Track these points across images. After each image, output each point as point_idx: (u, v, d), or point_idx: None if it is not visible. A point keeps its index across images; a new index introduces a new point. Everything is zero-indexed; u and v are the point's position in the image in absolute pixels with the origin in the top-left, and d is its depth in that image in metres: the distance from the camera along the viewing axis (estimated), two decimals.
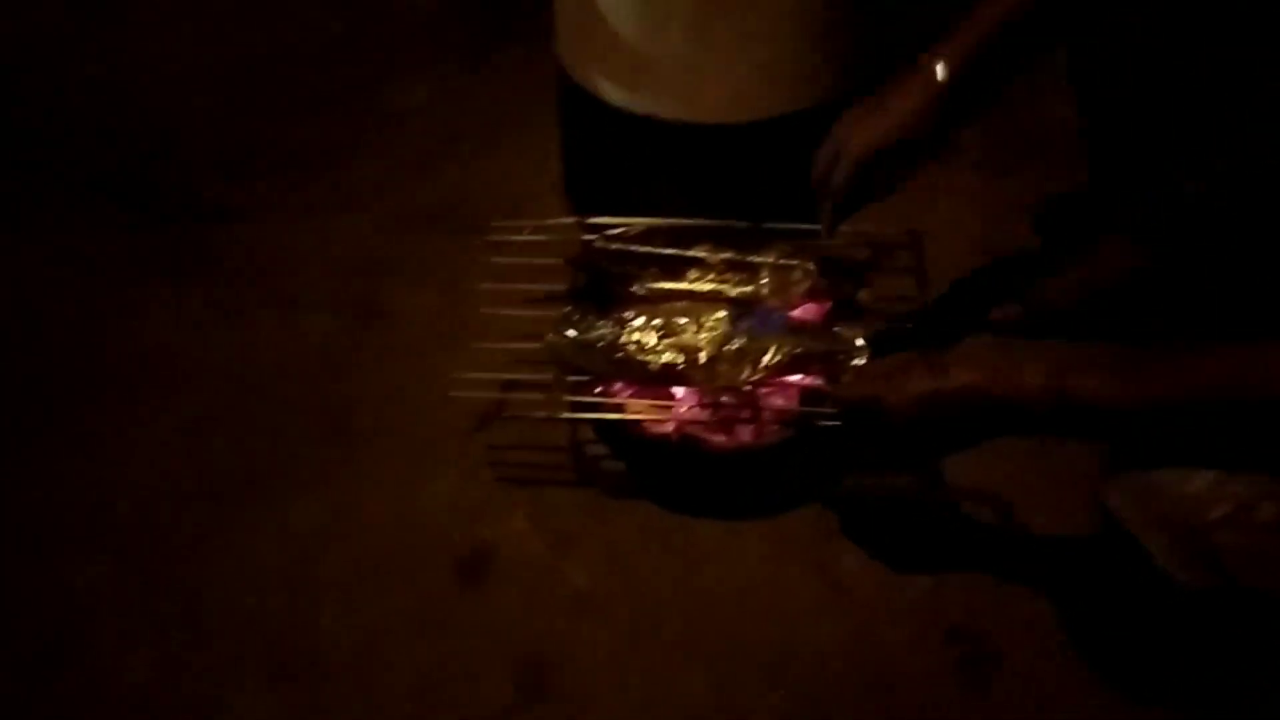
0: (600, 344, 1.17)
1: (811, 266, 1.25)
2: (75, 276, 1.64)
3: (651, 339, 1.17)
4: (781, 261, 1.25)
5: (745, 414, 1.18)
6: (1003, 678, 1.17)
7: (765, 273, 1.25)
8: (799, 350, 1.17)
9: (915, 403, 0.92)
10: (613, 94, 1.35)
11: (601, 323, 1.18)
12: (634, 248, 1.27)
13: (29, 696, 1.18)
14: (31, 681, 1.19)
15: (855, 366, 1.05)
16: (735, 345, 1.17)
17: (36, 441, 1.42)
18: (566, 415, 1.23)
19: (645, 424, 1.21)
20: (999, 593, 1.22)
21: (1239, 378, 0.80)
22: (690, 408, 1.20)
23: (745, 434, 1.20)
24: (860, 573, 1.25)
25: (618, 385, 1.23)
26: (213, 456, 1.40)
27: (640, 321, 1.19)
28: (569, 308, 1.20)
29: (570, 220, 1.36)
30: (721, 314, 1.19)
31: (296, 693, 1.18)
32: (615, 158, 1.44)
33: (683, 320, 1.18)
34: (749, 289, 1.25)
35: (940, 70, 0.99)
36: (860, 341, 1.18)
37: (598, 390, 1.22)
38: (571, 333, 1.18)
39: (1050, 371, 0.85)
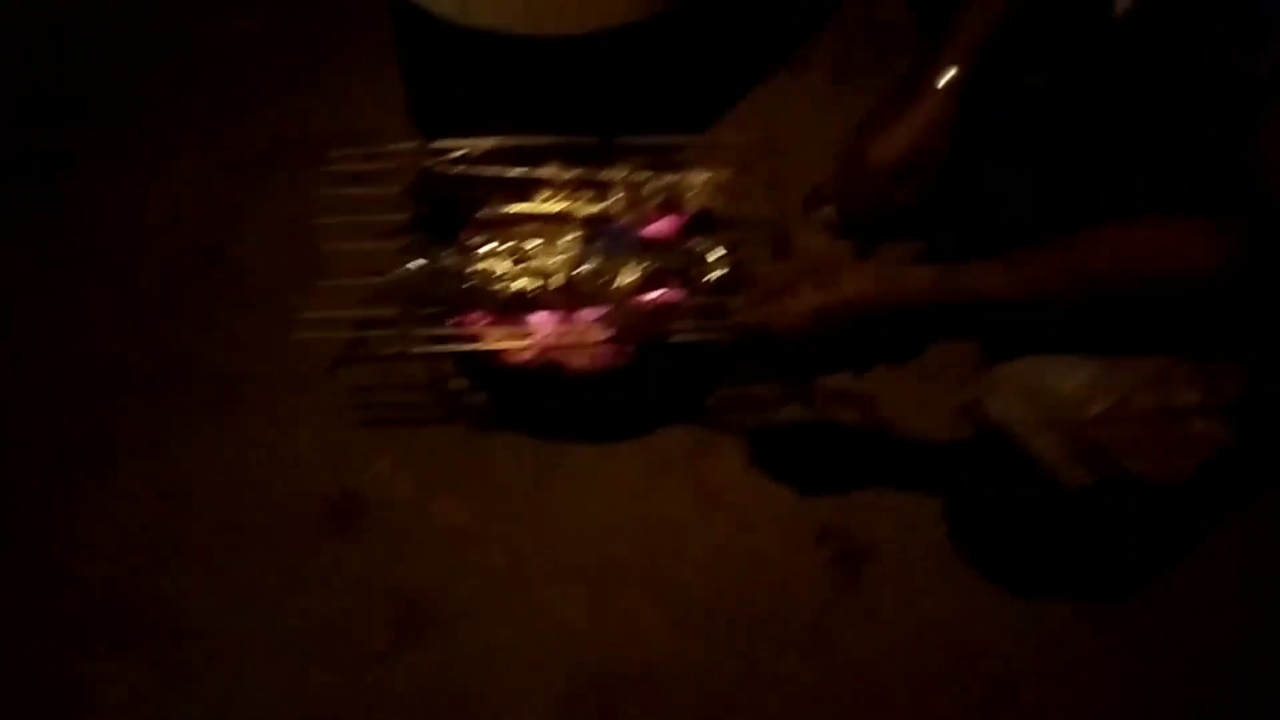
0: (448, 274, 1.13)
1: (664, 179, 1.22)
2: None
3: (502, 266, 1.13)
4: (633, 177, 1.22)
5: (604, 334, 1.16)
6: (873, 572, 1.21)
7: (617, 189, 1.21)
8: (655, 267, 1.15)
9: (806, 316, 0.94)
10: (445, 8, 1.28)
11: (446, 252, 1.14)
12: (479, 170, 1.22)
13: None
14: None
15: (747, 291, 1.04)
16: (589, 267, 1.14)
17: None
18: (420, 350, 1.18)
19: (504, 353, 1.18)
20: (866, 493, 1.25)
21: (1113, 258, 0.83)
22: (548, 333, 1.17)
23: (606, 355, 1.18)
24: (732, 483, 1.26)
25: (473, 315, 1.19)
26: (54, 418, 1.31)
27: (488, 248, 1.14)
28: (411, 238, 1.14)
29: (412, 145, 1.29)
30: (573, 235, 1.16)
31: (161, 659, 1.14)
32: (456, 78, 1.38)
33: (533, 244, 1.15)
34: (601, 207, 1.21)
35: (948, 79, 0.98)
36: (718, 254, 1.16)
37: (452, 322, 1.17)
38: (416, 264, 1.13)
39: (937, 272, 0.88)
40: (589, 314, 1.18)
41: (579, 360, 1.19)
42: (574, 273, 1.14)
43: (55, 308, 1.42)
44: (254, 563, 1.20)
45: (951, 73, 0.98)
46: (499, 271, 1.14)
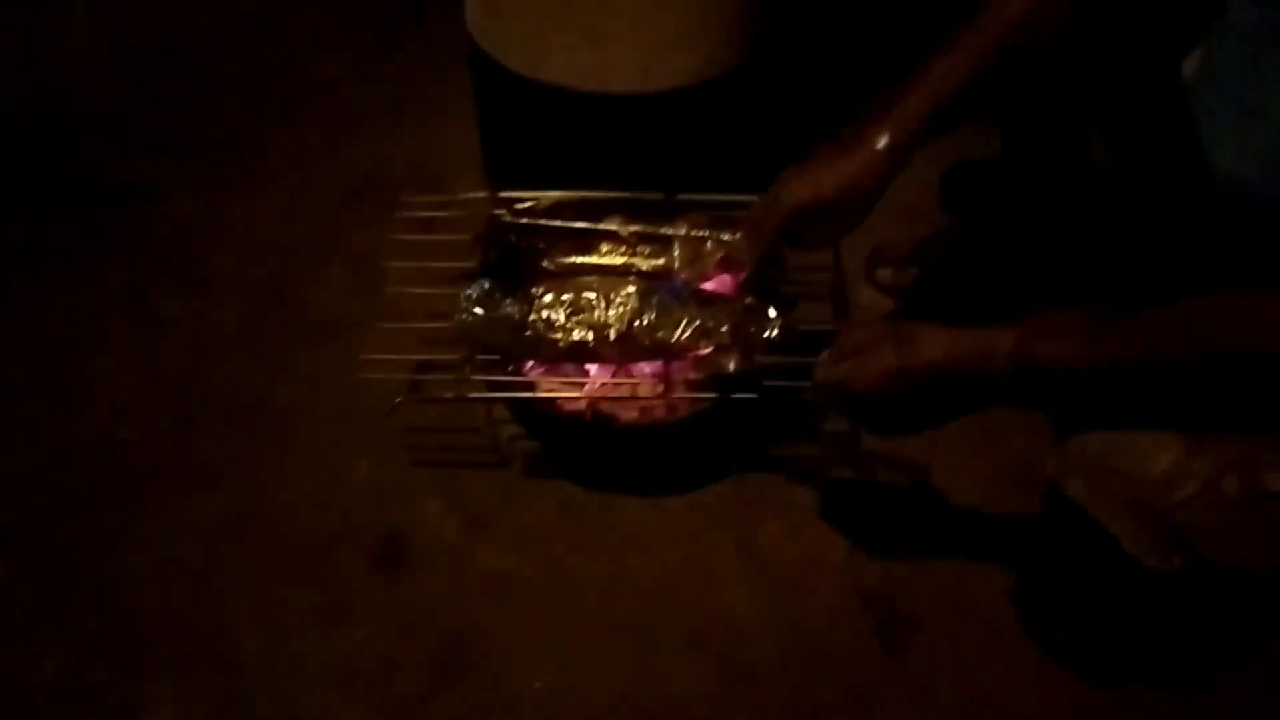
0: (508, 322, 1.15)
1: (725, 238, 1.23)
2: None
3: (560, 316, 1.15)
4: (693, 233, 1.23)
5: (658, 389, 1.17)
6: (921, 643, 1.18)
7: (677, 245, 1.23)
8: (710, 324, 1.16)
9: (883, 379, 0.92)
10: (519, 64, 1.31)
11: (509, 300, 1.16)
12: (543, 221, 1.24)
13: None
14: None
15: (829, 351, 1.01)
16: (645, 320, 1.15)
17: None
18: (477, 395, 1.20)
19: (558, 402, 1.20)
20: (914, 559, 1.24)
21: (1198, 332, 0.80)
22: (602, 384, 1.19)
23: (658, 409, 1.19)
24: (779, 543, 1.25)
25: (529, 363, 1.21)
26: (122, 447, 1.36)
27: (549, 298, 1.16)
28: (475, 284, 1.17)
29: (481, 195, 1.33)
30: (631, 289, 1.17)
31: (209, 687, 1.15)
32: (528, 131, 1.41)
33: (591, 295, 1.16)
34: (660, 261, 1.23)
35: (883, 141, 0.99)
36: (772, 313, 1.17)
37: (509, 369, 1.19)
38: (478, 311, 1.15)
39: (1018, 338, 0.86)
40: (643, 367, 1.19)
41: (630, 412, 1.20)
42: (630, 325, 1.15)
43: (129, 337, 1.48)
44: (304, 596, 1.22)
45: (886, 139, 0.98)
46: (558, 321, 1.15)
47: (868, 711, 1.14)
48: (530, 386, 1.20)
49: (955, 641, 1.18)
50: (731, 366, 1.16)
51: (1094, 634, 1.12)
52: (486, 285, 1.16)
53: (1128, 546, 0.91)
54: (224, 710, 1.14)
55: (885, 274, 1.45)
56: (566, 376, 1.21)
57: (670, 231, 1.24)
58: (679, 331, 1.15)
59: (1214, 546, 0.89)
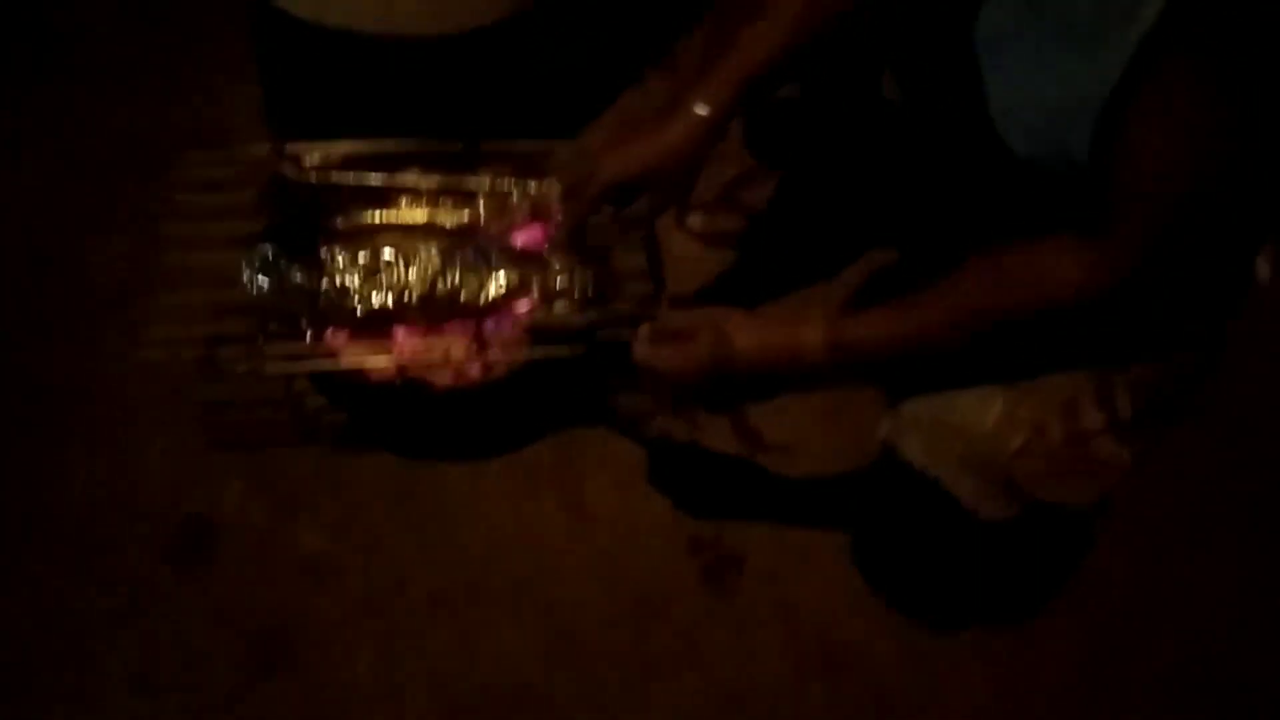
0: (297, 291, 1.07)
1: (531, 188, 1.18)
2: None
3: (355, 281, 1.08)
4: (498, 185, 1.18)
5: (471, 350, 1.12)
6: (748, 583, 1.20)
7: (481, 198, 1.17)
8: (521, 280, 1.11)
9: (697, 371, 0.93)
10: (301, 8, 1.21)
11: (297, 266, 1.08)
12: (335, 177, 1.16)
13: None
14: None
15: (649, 326, 1.00)
16: (449, 280, 1.09)
17: None
18: (274, 368, 1.12)
19: (365, 370, 1.13)
20: (740, 506, 1.24)
21: (989, 292, 0.84)
22: (411, 348, 1.13)
23: (473, 371, 1.14)
24: (605, 498, 1.24)
25: (331, 331, 1.14)
26: None
27: (342, 261, 1.09)
28: (257, 251, 1.08)
29: (264, 149, 1.23)
30: (435, 246, 1.11)
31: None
32: (314, 79, 1.31)
33: (388, 256, 1.09)
34: (465, 216, 1.17)
35: (701, 110, 0.96)
36: (584, 267, 1.13)
37: (308, 338, 1.11)
38: (263, 279, 1.07)
39: (826, 327, 0.89)
40: (453, 328, 1.14)
41: (444, 376, 1.15)
42: (434, 286, 1.10)
43: None
44: (97, 594, 1.13)
45: (703, 110, 0.96)
46: (352, 287, 1.08)
47: (698, 655, 1.15)
48: (332, 356, 1.13)
49: (780, 582, 1.20)
50: (546, 322, 1.12)
51: (928, 581, 1.16)
52: (270, 251, 1.08)
53: (966, 500, 0.95)
54: None
55: (695, 220, 1.44)
56: (372, 343, 1.14)
57: (473, 184, 1.18)
58: (487, 289, 1.10)
59: (1046, 490, 0.94)
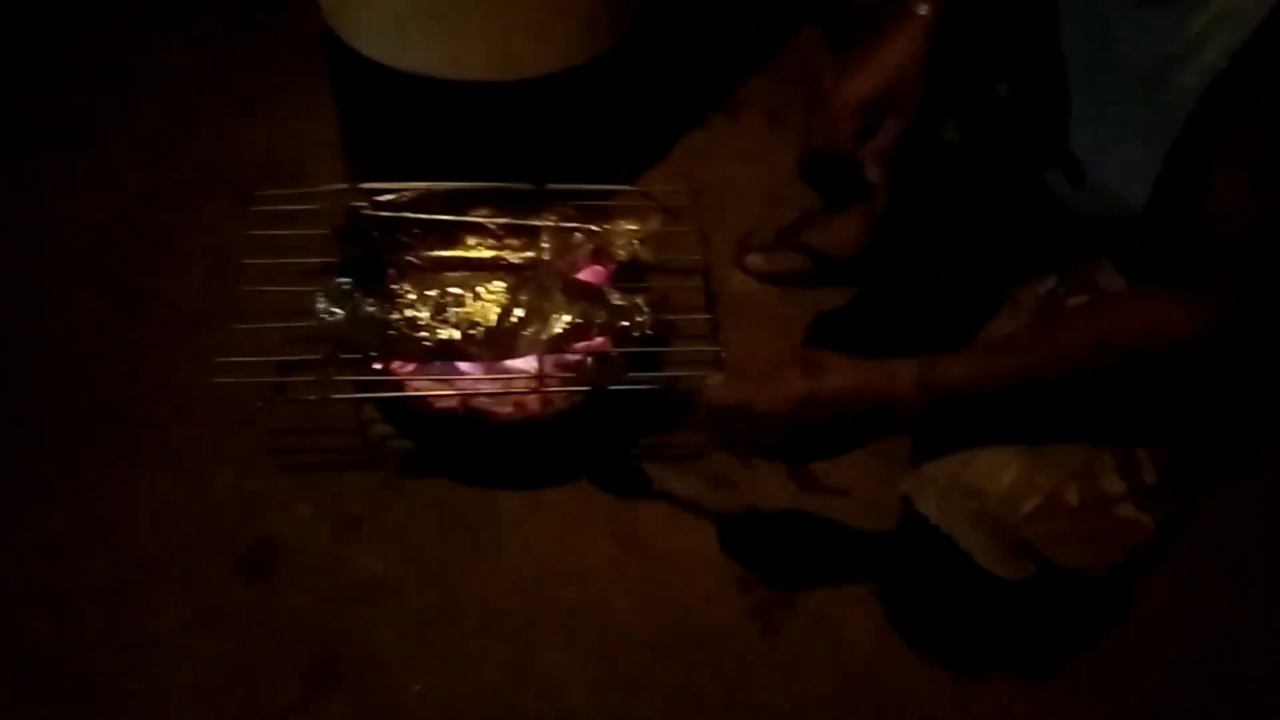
0: (369, 322, 1.12)
1: (594, 228, 1.22)
2: None
3: (425, 314, 1.12)
4: (562, 224, 1.22)
5: (533, 384, 1.15)
6: (795, 619, 1.21)
7: (545, 236, 1.21)
8: (582, 318, 1.15)
9: (789, 404, 0.90)
10: (377, 51, 1.27)
11: (369, 299, 1.12)
12: (407, 214, 1.21)
13: None
14: None
15: (728, 370, 1.03)
16: (515, 316, 1.13)
17: None
18: (344, 396, 1.17)
19: (429, 400, 1.17)
20: (787, 546, 1.26)
21: (1097, 338, 0.85)
22: (475, 380, 1.17)
23: (533, 403, 1.18)
24: (655, 532, 1.26)
25: (397, 360, 1.18)
26: None
27: (413, 296, 1.13)
28: (332, 283, 1.13)
29: (341, 187, 1.29)
30: (499, 283, 1.15)
31: (66, 711, 1.10)
32: (389, 120, 1.37)
33: (458, 290, 1.14)
34: (529, 253, 1.21)
35: (922, 9, 0.94)
36: (644, 305, 1.17)
37: (376, 367, 1.16)
38: (337, 311, 1.11)
39: (920, 367, 0.88)
40: (515, 362, 1.18)
41: (505, 407, 1.19)
42: (500, 321, 1.14)
43: None
44: (165, 610, 1.17)
45: (924, 9, 0.94)
46: (422, 320, 1.12)
47: (746, 692, 1.16)
48: (399, 385, 1.17)
49: (831, 622, 1.21)
50: (605, 360, 1.16)
51: (952, 629, 1.16)
52: (345, 284, 1.13)
53: (978, 559, 0.96)
54: None
55: (756, 259, 1.47)
56: (437, 373, 1.18)
57: (538, 222, 1.23)
58: (551, 326, 1.14)
59: (1060, 554, 0.94)
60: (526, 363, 1.18)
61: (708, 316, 1.28)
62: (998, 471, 0.94)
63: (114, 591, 1.18)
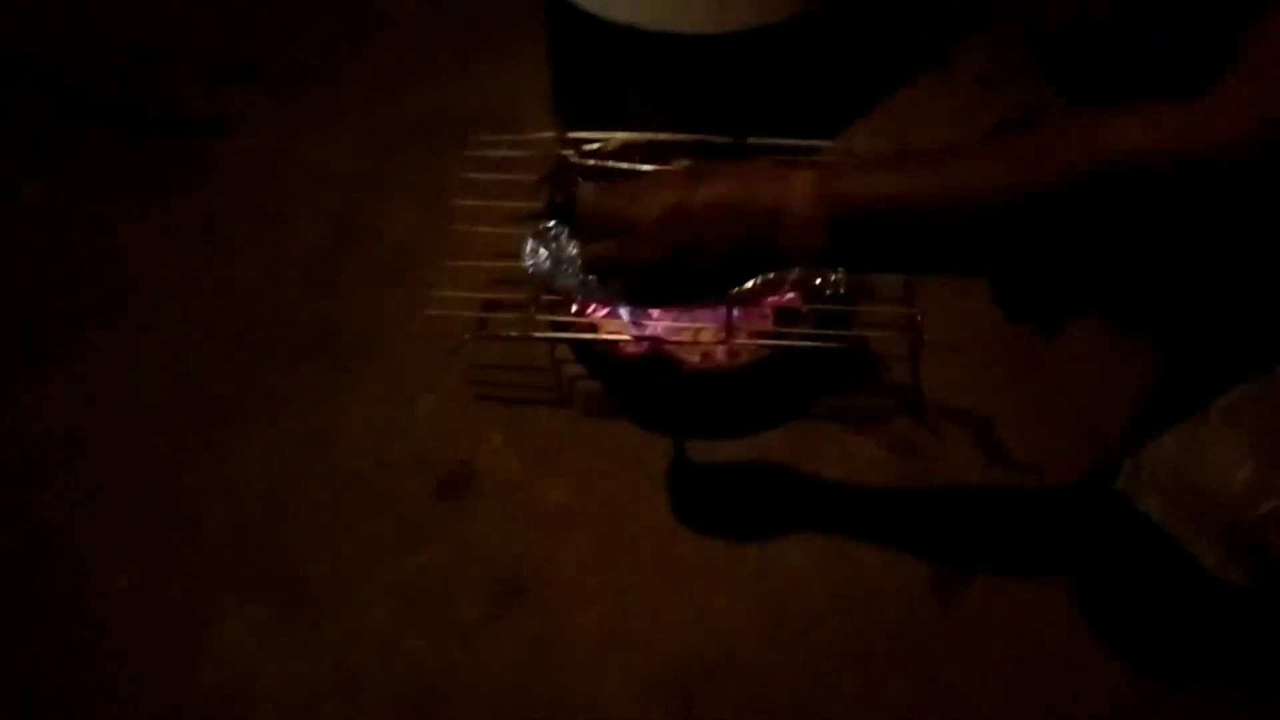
0: (572, 265, 1.15)
1: None
2: (56, 193, 1.63)
3: None
4: None
5: (720, 335, 1.17)
6: (974, 593, 1.18)
7: None
8: (774, 272, 1.15)
9: (662, 215, 0.75)
10: (588, 2, 1.30)
11: (572, 243, 1.16)
12: (611, 163, 1.24)
13: (10, 605, 1.21)
14: (13, 590, 1.22)
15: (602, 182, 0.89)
16: None
17: (17, 360, 1.42)
18: (541, 335, 1.22)
19: (619, 343, 1.21)
20: (971, 515, 1.23)
21: (1050, 147, 0.64)
22: (665, 327, 1.19)
23: (720, 354, 1.19)
24: (834, 492, 1.25)
25: (594, 304, 1.22)
26: (195, 374, 1.40)
27: None
28: (541, 226, 1.17)
29: (550, 135, 1.33)
30: None
31: (276, 606, 1.20)
32: (599, 71, 1.41)
33: None
34: None
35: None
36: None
37: (573, 310, 1.21)
38: (543, 253, 1.16)
39: (821, 175, 0.69)
40: (705, 313, 1.20)
41: (692, 356, 1.21)
42: None
43: (203, 265, 1.52)
44: (370, 519, 1.26)
45: None
46: None
47: (917, 659, 1.15)
48: (593, 328, 1.21)
49: (1010, 600, 1.18)
50: (796, 315, 1.16)
51: (1164, 633, 1.10)
52: (552, 227, 1.17)
53: (1207, 564, 0.89)
54: (290, 627, 1.19)
55: None
56: (630, 318, 1.22)
57: None
58: None
59: None
60: (716, 314, 1.19)
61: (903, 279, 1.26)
62: (1230, 469, 0.86)
63: (324, 501, 1.28)
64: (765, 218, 0.70)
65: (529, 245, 1.17)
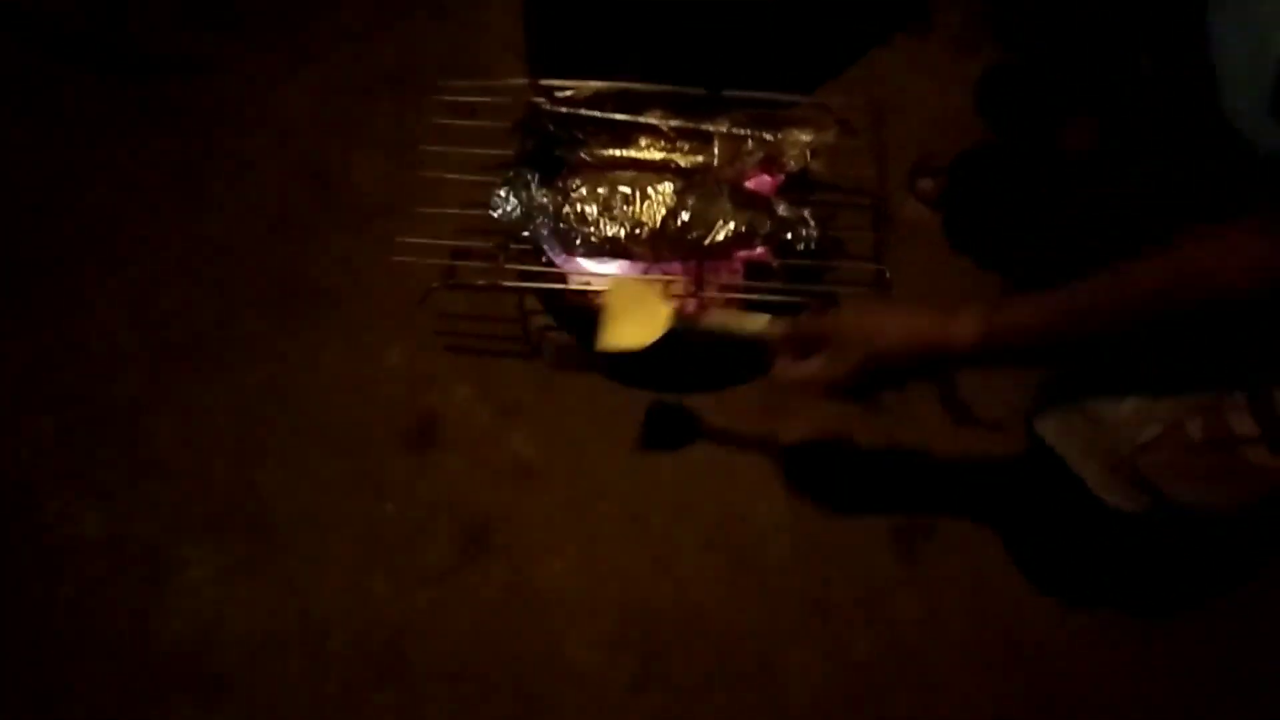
0: (542, 213, 1.15)
1: (766, 137, 1.21)
2: (22, 133, 1.59)
3: (594, 210, 1.15)
4: (734, 130, 1.21)
5: (690, 288, 1.16)
6: (934, 548, 1.20)
7: (717, 142, 1.21)
8: (746, 226, 1.15)
9: (850, 379, 0.89)
10: None
11: (543, 191, 1.15)
12: (583, 111, 1.23)
13: None
14: None
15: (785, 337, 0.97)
16: (680, 219, 1.14)
17: None
18: (510, 284, 1.21)
19: (587, 294, 1.20)
20: (931, 472, 1.25)
21: (1167, 278, 0.76)
22: (634, 278, 1.19)
23: (689, 307, 1.19)
24: (800, 446, 1.26)
25: (563, 255, 1.21)
26: (160, 318, 1.38)
27: (584, 191, 1.15)
28: (511, 173, 1.16)
29: (521, 82, 1.31)
30: (667, 186, 1.16)
31: (240, 548, 1.21)
32: (570, 20, 1.38)
33: (626, 190, 1.15)
34: (699, 158, 1.21)
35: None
36: (810, 219, 1.16)
37: (543, 259, 1.20)
38: (513, 200, 1.15)
39: (980, 317, 0.84)
40: (676, 265, 1.19)
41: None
42: (664, 223, 1.15)
43: (173, 210, 1.49)
44: (337, 467, 1.26)
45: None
46: (591, 215, 1.15)
47: (878, 611, 1.17)
48: (562, 278, 1.21)
49: (970, 554, 1.20)
50: (767, 269, 1.16)
51: (1068, 560, 1.14)
52: (522, 175, 1.16)
53: (1090, 484, 0.93)
54: (255, 574, 1.19)
55: (926, 184, 1.44)
56: (599, 269, 1.21)
57: (711, 128, 1.22)
58: (714, 232, 1.15)
59: (1177, 489, 0.90)
60: (686, 267, 1.19)
61: (874, 235, 1.26)
62: (1119, 400, 0.90)
63: (289, 448, 1.28)
64: (937, 351, 0.86)
65: (503, 191, 1.16)
